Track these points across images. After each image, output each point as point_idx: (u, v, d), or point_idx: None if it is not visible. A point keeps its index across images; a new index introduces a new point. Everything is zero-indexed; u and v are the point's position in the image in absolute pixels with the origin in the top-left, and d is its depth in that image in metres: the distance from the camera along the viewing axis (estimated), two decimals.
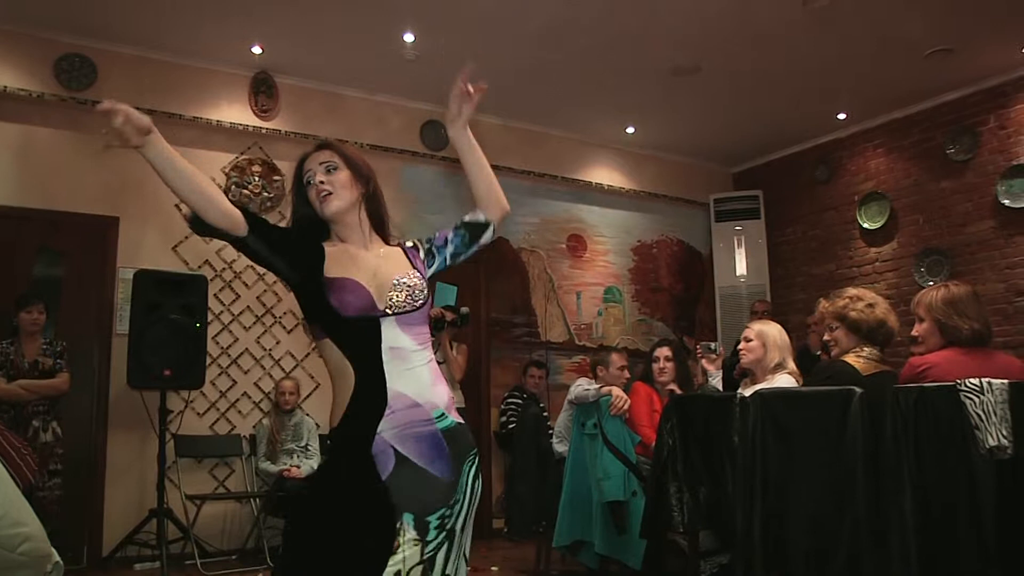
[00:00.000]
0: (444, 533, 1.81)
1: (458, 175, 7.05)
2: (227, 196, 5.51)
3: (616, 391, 4.43)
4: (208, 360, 5.55)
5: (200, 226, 1.77)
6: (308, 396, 6.04)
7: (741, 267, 8.15)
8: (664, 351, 4.77)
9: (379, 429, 1.78)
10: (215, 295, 5.85)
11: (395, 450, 1.78)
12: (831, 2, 5.31)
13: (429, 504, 1.80)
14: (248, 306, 6.08)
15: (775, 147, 8.19)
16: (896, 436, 2.46)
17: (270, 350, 6.12)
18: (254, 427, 5.88)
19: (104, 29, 5.58)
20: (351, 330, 1.84)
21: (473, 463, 1.90)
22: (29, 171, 5.51)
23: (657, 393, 4.64)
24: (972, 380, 2.41)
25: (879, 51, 6.06)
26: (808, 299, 7.09)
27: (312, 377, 6.14)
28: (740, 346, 3.84)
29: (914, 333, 2.98)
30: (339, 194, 1.94)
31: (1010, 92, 6.50)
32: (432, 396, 1.85)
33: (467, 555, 1.90)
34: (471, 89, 2.02)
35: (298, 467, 5.49)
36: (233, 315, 6.01)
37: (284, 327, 6.19)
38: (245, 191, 6.15)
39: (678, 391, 4.51)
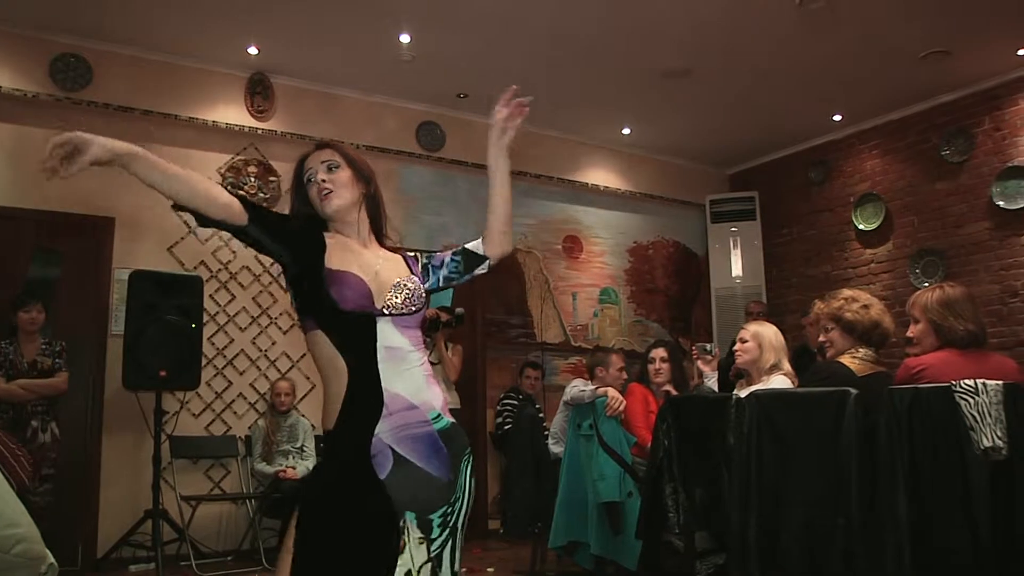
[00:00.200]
0: (447, 531, 1.84)
1: (454, 176, 7.13)
2: None
3: (612, 392, 4.43)
4: (204, 361, 5.55)
5: (203, 220, 1.77)
6: (304, 397, 6.03)
7: (737, 268, 8.16)
8: (660, 352, 4.77)
9: (377, 431, 1.78)
10: (211, 296, 5.84)
11: (393, 451, 1.79)
12: (826, 4, 5.32)
13: (430, 503, 1.82)
14: (244, 307, 6.07)
15: (771, 148, 8.21)
16: (891, 437, 2.47)
17: (266, 351, 6.11)
18: (250, 428, 5.88)
19: (100, 29, 5.57)
20: (347, 324, 1.83)
21: (469, 462, 1.92)
22: (24, 172, 5.50)
23: (653, 394, 4.64)
24: (967, 381, 2.42)
25: (874, 53, 6.07)
26: (804, 300, 7.10)
27: (308, 378, 6.13)
28: (736, 347, 3.85)
29: (909, 334, 2.98)
30: (340, 193, 1.94)
31: (1005, 94, 6.52)
32: (428, 397, 1.85)
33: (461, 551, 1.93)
34: (516, 108, 2.02)
35: (294, 468, 5.49)
36: (229, 316, 6.00)
37: (280, 328, 6.18)
38: (241, 192, 6.14)
39: (674, 392, 4.51)
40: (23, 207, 5.43)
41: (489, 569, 5.23)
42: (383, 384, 1.80)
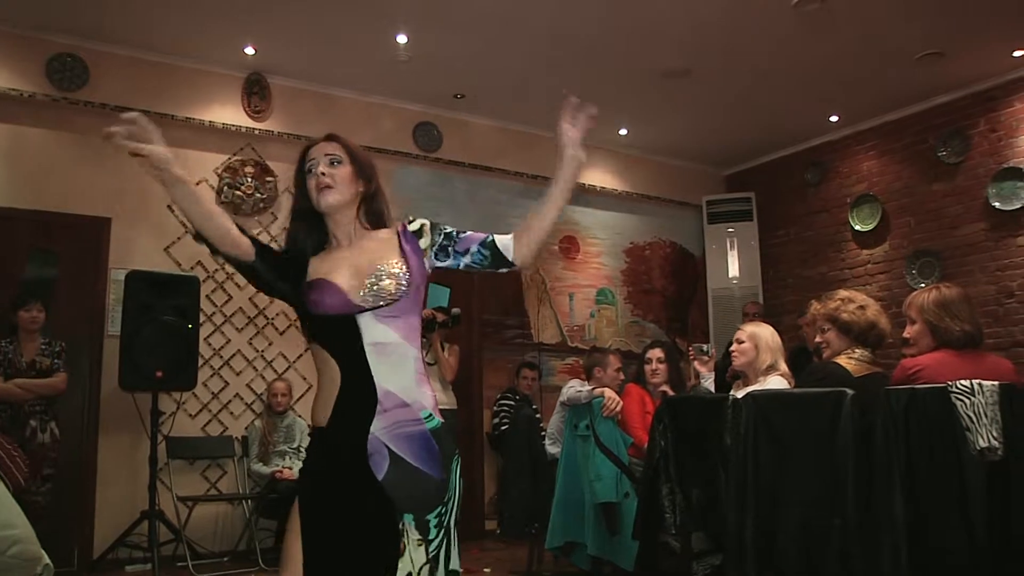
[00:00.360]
0: (443, 531, 1.85)
1: (451, 177, 7.13)
2: (220, 197, 5.50)
3: (608, 393, 4.44)
4: (200, 361, 5.53)
5: (215, 251, 1.85)
6: (300, 397, 6.02)
7: (733, 269, 8.17)
8: (656, 352, 4.77)
9: (372, 429, 1.79)
10: (207, 296, 5.83)
11: (389, 450, 1.79)
12: (822, 5, 5.33)
13: (427, 503, 1.82)
14: (240, 307, 6.06)
15: (767, 149, 8.21)
16: (887, 437, 2.47)
17: (262, 351, 6.11)
18: (246, 429, 5.87)
19: (96, 29, 5.56)
20: (329, 329, 1.86)
21: (458, 461, 1.92)
22: (20, 172, 5.50)
23: (649, 395, 4.64)
24: (963, 382, 2.43)
25: (871, 54, 6.08)
26: (800, 301, 7.10)
27: (304, 379, 6.12)
28: (732, 348, 3.85)
29: (906, 335, 2.99)
30: (338, 188, 1.94)
31: (1000, 96, 6.53)
32: (419, 397, 1.85)
33: (458, 547, 1.92)
34: (586, 121, 1.92)
35: (290, 468, 5.48)
36: (225, 316, 6.00)
37: (276, 328, 6.17)
38: (238, 192, 6.14)
39: (670, 392, 4.52)
40: (19, 207, 5.42)
41: (486, 569, 5.23)
42: (376, 381, 1.81)
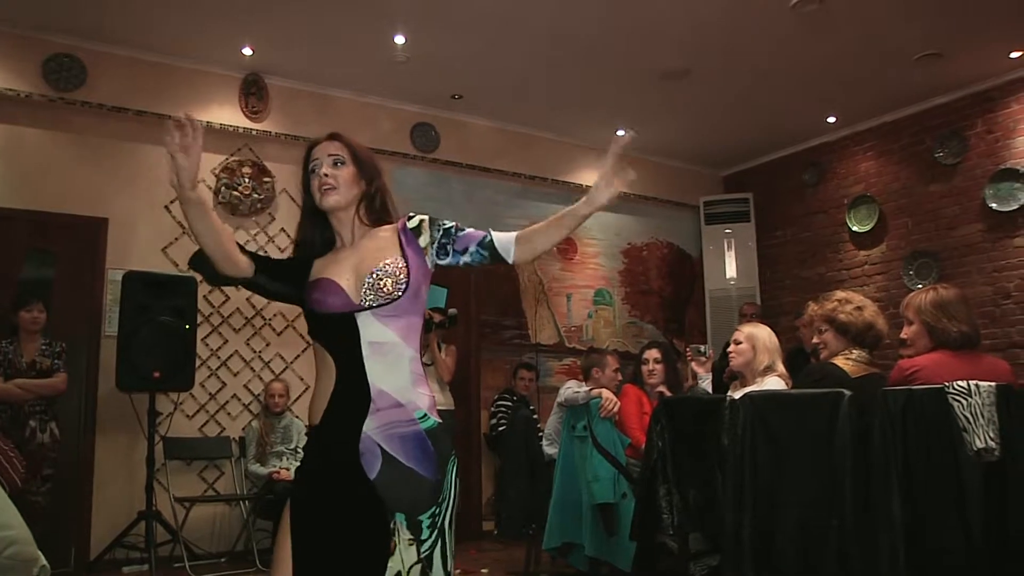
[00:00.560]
0: (436, 532, 1.84)
1: (449, 177, 7.13)
2: (217, 198, 5.50)
3: (606, 393, 4.44)
4: (197, 362, 5.53)
5: (214, 280, 1.89)
6: (298, 398, 6.01)
7: (731, 270, 8.17)
8: (653, 353, 4.77)
9: (364, 428, 1.79)
10: (204, 297, 5.82)
11: (382, 449, 1.79)
12: (820, 6, 5.33)
13: (419, 504, 1.82)
14: (238, 308, 6.05)
15: (765, 150, 8.22)
16: (884, 438, 2.47)
17: (259, 352, 6.10)
18: (243, 429, 5.86)
19: (94, 29, 5.56)
20: (329, 327, 1.87)
21: (455, 462, 1.91)
22: (17, 172, 5.49)
23: (646, 395, 4.65)
24: (960, 383, 2.43)
25: (868, 55, 6.09)
26: (797, 302, 7.11)
27: (301, 379, 6.12)
28: (730, 348, 3.85)
29: (903, 336, 2.99)
30: (340, 190, 1.95)
31: (998, 97, 6.54)
32: (414, 397, 1.85)
33: (453, 551, 1.92)
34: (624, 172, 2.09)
35: (287, 469, 5.47)
36: (223, 317, 5.99)
37: (274, 329, 6.17)
38: (235, 192, 6.13)
39: (667, 393, 4.52)
40: (16, 207, 5.41)
41: (483, 570, 5.22)
42: (369, 380, 1.81)
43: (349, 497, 1.79)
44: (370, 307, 1.84)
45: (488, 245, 1.96)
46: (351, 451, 1.79)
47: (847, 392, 2.62)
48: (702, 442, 3.10)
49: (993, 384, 2.42)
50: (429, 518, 1.83)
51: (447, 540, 1.87)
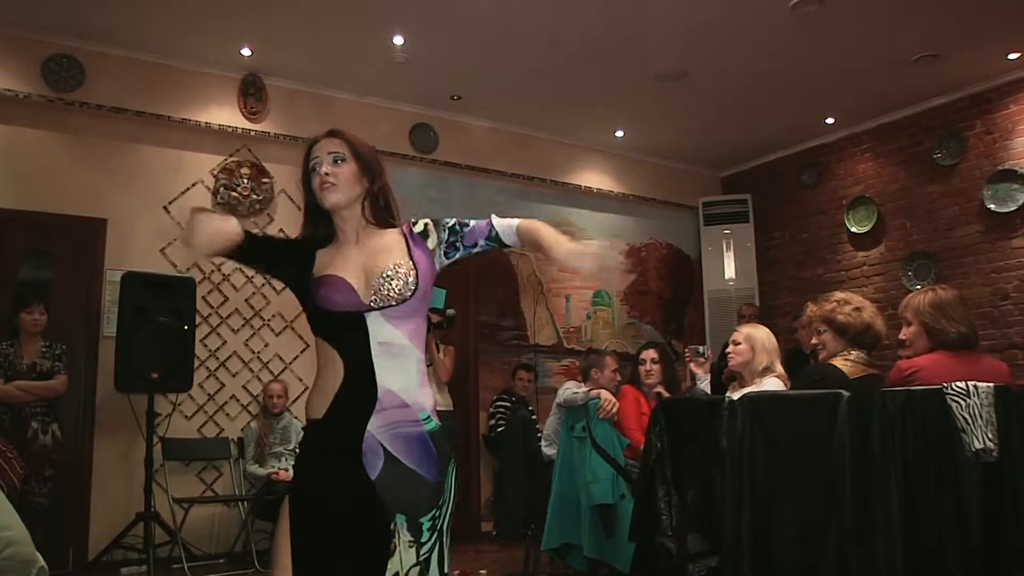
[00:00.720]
0: (436, 534, 1.84)
1: (447, 178, 7.13)
2: (216, 199, 5.49)
3: (605, 394, 4.43)
4: (196, 363, 5.53)
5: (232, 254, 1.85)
6: (297, 399, 6.01)
7: (730, 271, 8.18)
8: (650, 353, 4.77)
9: (368, 427, 1.79)
10: (203, 297, 5.82)
11: (384, 449, 1.79)
12: (819, 7, 5.33)
13: (420, 506, 1.82)
14: (236, 308, 6.05)
15: (764, 151, 8.23)
16: (883, 439, 2.47)
17: (258, 353, 6.10)
18: (242, 430, 5.86)
19: (92, 30, 5.55)
20: (338, 326, 1.85)
21: (455, 465, 1.92)
22: (16, 172, 5.48)
23: (644, 396, 4.64)
24: (958, 383, 2.43)
25: (866, 56, 6.10)
26: (796, 303, 7.12)
27: (300, 380, 6.12)
28: (728, 349, 3.85)
29: (901, 336, 2.99)
30: (341, 188, 1.94)
31: (996, 98, 6.55)
32: (419, 398, 1.85)
33: (450, 554, 1.92)
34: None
35: (286, 470, 5.47)
36: (221, 317, 5.99)
37: (272, 330, 6.17)
38: (234, 193, 6.13)
39: (665, 393, 4.52)
40: (14, 208, 5.41)
41: (482, 571, 5.22)
42: (377, 379, 1.81)
43: (350, 497, 1.79)
44: (380, 308, 1.84)
45: (495, 238, 2.04)
46: (354, 449, 1.79)
47: (846, 393, 2.62)
48: (700, 443, 3.09)
49: (991, 385, 2.42)
50: (429, 520, 1.83)
51: (444, 543, 1.87)
